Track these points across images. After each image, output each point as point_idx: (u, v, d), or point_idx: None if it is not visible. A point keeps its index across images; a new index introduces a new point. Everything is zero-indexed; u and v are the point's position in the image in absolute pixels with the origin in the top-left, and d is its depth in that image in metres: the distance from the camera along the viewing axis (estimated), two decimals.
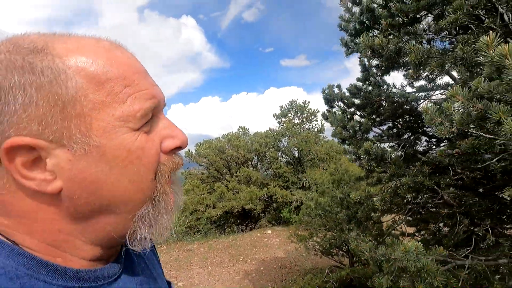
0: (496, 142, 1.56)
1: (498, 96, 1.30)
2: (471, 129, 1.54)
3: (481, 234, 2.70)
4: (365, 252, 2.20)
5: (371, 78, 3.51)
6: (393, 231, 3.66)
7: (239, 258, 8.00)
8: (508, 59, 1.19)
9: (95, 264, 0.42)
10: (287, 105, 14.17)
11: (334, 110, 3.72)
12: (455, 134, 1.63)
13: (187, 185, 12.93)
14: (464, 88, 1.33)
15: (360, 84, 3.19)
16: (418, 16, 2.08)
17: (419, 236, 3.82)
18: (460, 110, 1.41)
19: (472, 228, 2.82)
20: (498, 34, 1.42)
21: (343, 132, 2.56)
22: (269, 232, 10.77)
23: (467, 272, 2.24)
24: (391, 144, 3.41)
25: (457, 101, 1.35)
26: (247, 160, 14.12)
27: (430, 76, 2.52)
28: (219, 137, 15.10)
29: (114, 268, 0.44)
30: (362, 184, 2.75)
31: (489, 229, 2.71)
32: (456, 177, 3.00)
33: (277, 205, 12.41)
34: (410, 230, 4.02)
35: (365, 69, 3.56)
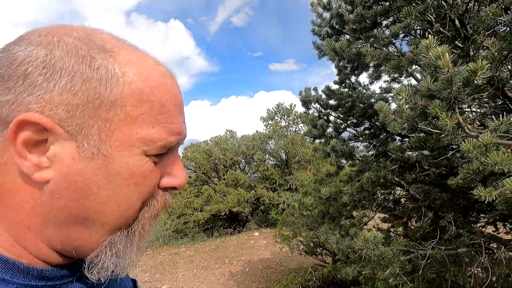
0: (441, 136, 1.70)
1: (437, 94, 1.44)
2: (420, 124, 1.68)
3: (444, 226, 2.86)
4: (332, 244, 2.31)
5: (346, 80, 3.67)
6: (365, 226, 3.80)
7: (225, 260, 8.03)
8: (440, 60, 1.32)
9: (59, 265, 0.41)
10: (273, 108, 14.34)
11: (310, 111, 3.86)
12: (406, 130, 1.77)
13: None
14: (407, 87, 1.46)
15: (334, 86, 3.34)
16: (378, 21, 2.22)
17: (394, 232, 3.98)
18: (407, 107, 1.54)
19: (437, 220, 2.98)
20: (439, 37, 1.57)
21: (313, 131, 2.68)
22: (256, 234, 10.83)
23: (428, 261, 2.39)
24: (364, 143, 3.57)
25: (402, 99, 1.48)
26: (235, 163, 14.18)
27: (390, 77, 2.67)
28: (207, 140, 15.15)
29: (80, 266, 0.42)
30: (335, 180, 2.88)
31: (452, 221, 2.87)
32: (424, 173, 3.17)
33: (264, 207, 12.49)
34: (385, 226, 4.19)
35: (340, 71, 3.72)
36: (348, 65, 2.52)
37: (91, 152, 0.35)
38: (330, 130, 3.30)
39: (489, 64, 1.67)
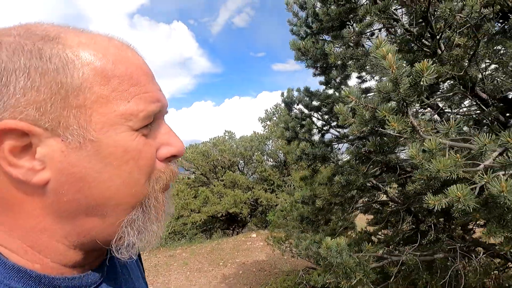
0: (400, 140, 1.62)
1: (386, 96, 1.36)
2: (380, 128, 1.61)
3: (424, 230, 2.77)
4: (301, 251, 2.24)
5: (332, 81, 3.60)
6: (352, 230, 3.71)
7: (219, 262, 7.98)
8: (385, 60, 1.25)
9: (75, 271, 0.40)
10: (271, 108, 14.28)
11: (292, 113, 3.80)
12: (365, 133, 1.69)
13: (172, 190, 12.88)
14: (356, 88, 1.39)
15: (310, 87, 3.27)
16: (344, 20, 2.15)
17: (382, 234, 3.89)
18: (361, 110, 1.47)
19: (418, 224, 2.88)
20: (405, 35, 1.49)
21: (285, 133, 2.61)
22: (254, 235, 10.76)
23: (402, 267, 2.30)
24: (346, 145, 3.49)
25: (351, 101, 1.41)
26: (233, 164, 14.14)
27: (358, 77, 2.59)
28: (205, 141, 15.14)
29: (93, 276, 0.42)
30: (311, 184, 2.80)
31: (432, 225, 2.78)
32: (405, 176, 3.08)
33: (262, 208, 12.43)
34: (372, 229, 4.09)
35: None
36: (318, 65, 2.45)
37: (78, 142, 0.34)
38: (314, 131, 3.23)
39: (451, 63, 1.60)
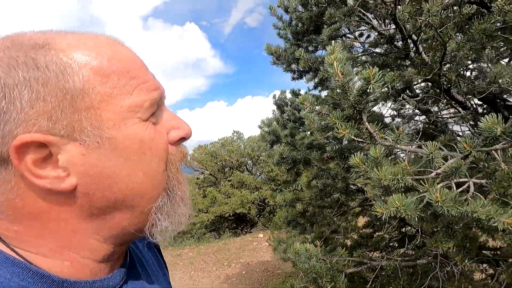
0: (364, 145, 1.60)
1: (338, 102, 1.36)
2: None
3: (411, 235, 2.71)
4: (280, 253, 2.25)
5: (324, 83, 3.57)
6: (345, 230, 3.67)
7: (224, 262, 8.06)
8: (333, 67, 1.24)
9: (104, 267, 0.41)
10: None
11: (284, 114, 3.79)
12: (330, 140, 1.68)
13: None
14: (310, 95, 1.39)
15: (299, 90, 3.25)
16: (318, 24, 2.14)
17: (376, 237, 3.83)
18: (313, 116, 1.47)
19: (406, 229, 2.82)
20: (378, 38, 1.47)
21: (267, 137, 2.62)
22: (261, 235, 10.77)
23: (382, 273, 2.27)
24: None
25: (306, 108, 1.41)
26: (241, 164, 14.21)
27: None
28: (214, 141, 15.27)
29: (115, 279, 0.43)
30: (294, 187, 2.79)
31: (419, 229, 2.72)
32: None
33: (270, 208, 12.44)
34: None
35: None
36: (295, 69, 2.44)
37: (96, 142, 0.35)
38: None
39: (412, 68, 1.58)
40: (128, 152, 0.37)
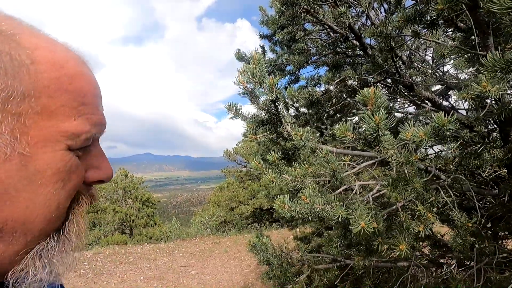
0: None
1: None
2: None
3: None
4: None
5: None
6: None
7: None
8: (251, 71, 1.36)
9: None
10: None
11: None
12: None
13: (223, 183, 13.81)
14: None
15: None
16: (284, 26, 2.20)
17: None
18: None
19: None
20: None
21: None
22: (298, 229, 10.84)
23: (352, 271, 2.26)
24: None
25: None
26: None
27: None
28: None
29: None
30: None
31: None
32: None
33: None
34: None
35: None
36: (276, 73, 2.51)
37: (4, 153, 0.31)
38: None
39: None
40: (38, 176, 0.32)
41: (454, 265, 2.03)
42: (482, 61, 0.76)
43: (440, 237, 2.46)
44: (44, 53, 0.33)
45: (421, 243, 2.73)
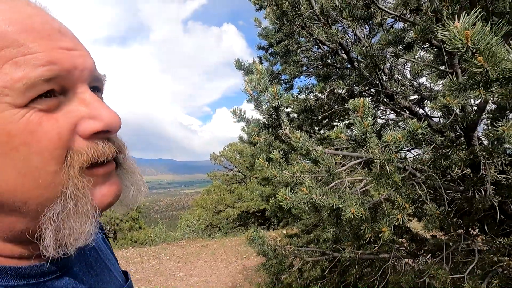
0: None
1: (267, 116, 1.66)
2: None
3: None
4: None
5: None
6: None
7: (243, 255, 8.51)
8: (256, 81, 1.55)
9: (23, 263, 0.36)
10: None
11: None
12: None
13: (210, 186, 13.89)
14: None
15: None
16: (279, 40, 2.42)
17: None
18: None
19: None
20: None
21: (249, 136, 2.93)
22: (285, 231, 11.06)
23: (339, 263, 2.48)
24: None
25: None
26: None
27: None
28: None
29: (43, 268, 0.37)
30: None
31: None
32: None
33: None
34: None
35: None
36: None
37: None
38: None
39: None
40: None
41: (428, 256, 2.29)
42: (446, 79, 0.99)
43: (416, 232, 2.73)
44: None
45: (400, 239, 3.00)
